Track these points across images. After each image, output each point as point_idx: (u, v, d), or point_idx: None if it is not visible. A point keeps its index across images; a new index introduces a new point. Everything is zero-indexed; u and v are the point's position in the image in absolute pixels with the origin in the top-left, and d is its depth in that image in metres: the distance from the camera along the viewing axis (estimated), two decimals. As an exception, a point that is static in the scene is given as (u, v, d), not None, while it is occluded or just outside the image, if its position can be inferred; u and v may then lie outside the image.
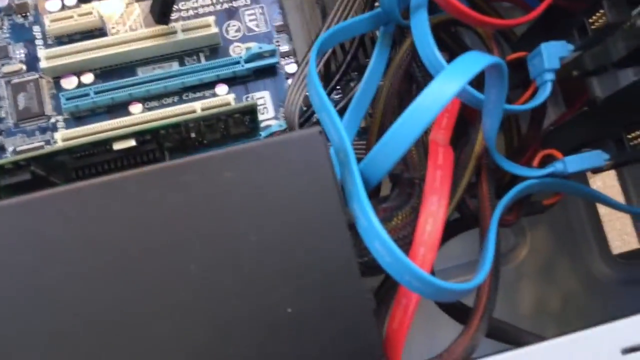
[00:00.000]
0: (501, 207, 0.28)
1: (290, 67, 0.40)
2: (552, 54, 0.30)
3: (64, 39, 0.39)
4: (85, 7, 0.38)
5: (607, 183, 0.43)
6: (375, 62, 0.33)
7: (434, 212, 0.24)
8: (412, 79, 0.34)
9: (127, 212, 0.20)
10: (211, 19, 0.39)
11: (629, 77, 0.27)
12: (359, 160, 0.24)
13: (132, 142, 0.30)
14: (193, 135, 0.33)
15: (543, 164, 0.32)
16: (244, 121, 0.33)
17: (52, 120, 0.38)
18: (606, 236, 0.39)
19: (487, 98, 0.26)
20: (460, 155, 0.30)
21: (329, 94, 0.38)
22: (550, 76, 0.30)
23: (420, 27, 0.31)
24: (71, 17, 0.38)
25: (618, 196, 0.40)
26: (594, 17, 0.28)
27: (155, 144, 0.31)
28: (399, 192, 0.25)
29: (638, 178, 0.38)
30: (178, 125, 0.31)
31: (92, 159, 0.31)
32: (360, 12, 0.36)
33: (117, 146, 0.30)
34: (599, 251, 0.39)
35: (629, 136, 0.28)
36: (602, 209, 0.40)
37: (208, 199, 0.21)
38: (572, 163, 0.29)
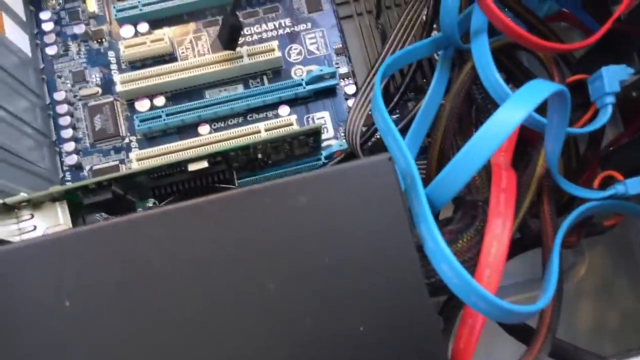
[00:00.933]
0: (564, 229, 0.29)
1: (349, 88, 0.42)
2: (613, 77, 0.31)
3: (137, 63, 0.41)
4: (157, 34, 0.41)
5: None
6: (436, 85, 0.34)
7: (498, 235, 0.25)
8: (472, 101, 0.35)
9: (211, 235, 0.22)
10: (275, 44, 0.40)
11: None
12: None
13: (204, 164, 0.32)
14: (259, 156, 0.34)
15: (603, 185, 0.32)
16: (308, 142, 0.35)
17: (126, 140, 0.40)
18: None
19: (550, 123, 0.27)
20: (521, 177, 0.30)
21: (397, 103, 0.39)
22: (610, 99, 0.31)
23: (481, 52, 0.32)
24: (144, 43, 0.40)
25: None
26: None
27: (225, 164, 0.32)
28: (463, 215, 0.26)
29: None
30: (247, 147, 0.32)
31: (167, 179, 0.33)
32: (418, 36, 0.37)
33: (192, 167, 0.32)
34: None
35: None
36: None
37: (284, 223, 0.22)
38: (634, 185, 0.30)
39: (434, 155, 0.33)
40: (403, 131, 0.34)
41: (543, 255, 0.29)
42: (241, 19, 0.42)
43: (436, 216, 0.26)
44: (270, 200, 0.22)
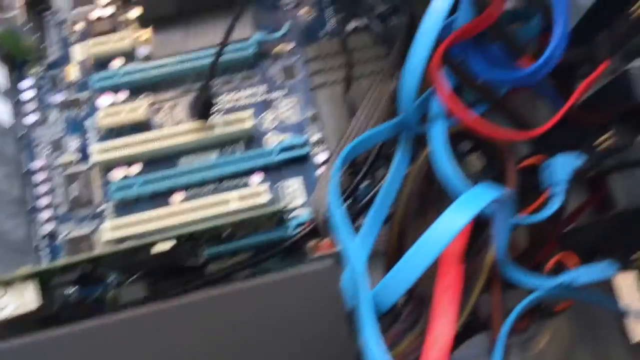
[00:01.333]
0: (511, 320, 0.30)
1: (322, 156, 0.43)
2: (565, 165, 0.32)
3: (114, 131, 0.42)
4: (134, 104, 0.42)
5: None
6: (397, 167, 0.35)
7: (440, 335, 0.25)
8: (433, 181, 0.36)
9: (160, 343, 0.23)
10: (248, 114, 0.41)
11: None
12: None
13: (170, 245, 0.33)
14: (225, 234, 0.35)
15: (557, 267, 0.33)
16: (273, 220, 0.36)
17: (101, 208, 0.41)
18: (627, 324, 0.39)
19: (496, 220, 0.28)
20: (473, 264, 0.31)
21: (357, 185, 0.40)
22: (562, 187, 0.32)
23: (437, 140, 0.33)
24: (121, 112, 0.42)
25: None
26: (602, 138, 0.30)
27: (190, 243, 0.34)
28: (409, 312, 0.27)
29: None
30: (214, 228, 0.33)
31: (134, 258, 0.34)
32: (386, 111, 0.38)
33: (157, 249, 0.33)
34: (620, 339, 0.40)
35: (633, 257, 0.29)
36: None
37: (230, 329, 0.23)
38: (583, 274, 0.31)
39: (393, 240, 0.34)
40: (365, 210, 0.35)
41: (490, 340, 0.30)
42: (217, 87, 0.43)
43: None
44: (216, 309, 0.23)
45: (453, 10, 0.36)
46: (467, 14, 0.36)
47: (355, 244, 0.28)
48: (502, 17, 0.39)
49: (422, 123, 0.35)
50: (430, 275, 0.30)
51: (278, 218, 0.36)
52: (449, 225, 0.24)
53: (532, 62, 0.33)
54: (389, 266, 0.33)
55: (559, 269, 0.33)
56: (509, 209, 0.27)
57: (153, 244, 0.32)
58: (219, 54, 0.37)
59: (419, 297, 0.28)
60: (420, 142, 0.36)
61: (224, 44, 0.37)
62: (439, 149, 0.32)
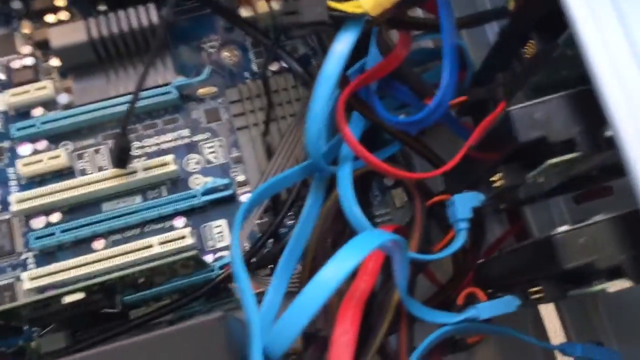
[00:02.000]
0: (417, 354, 0.30)
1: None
2: (465, 204, 0.32)
3: (35, 179, 0.42)
4: (54, 152, 0.42)
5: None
6: (310, 207, 0.36)
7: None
8: (344, 219, 0.36)
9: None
10: (169, 158, 0.42)
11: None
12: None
13: (81, 295, 0.33)
14: (142, 280, 0.35)
15: (467, 302, 0.34)
16: (189, 265, 0.36)
17: (23, 257, 0.41)
18: (554, 354, 0.40)
19: (394, 261, 0.29)
20: (382, 301, 0.32)
21: (279, 223, 0.41)
22: (463, 225, 0.33)
23: (344, 181, 0.34)
24: (41, 160, 0.42)
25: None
26: (495, 177, 0.30)
27: (102, 293, 0.34)
28: (311, 355, 0.27)
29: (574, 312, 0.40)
30: (123, 277, 0.34)
31: (48, 309, 0.34)
32: (302, 156, 0.39)
33: (68, 299, 0.33)
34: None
35: (530, 290, 0.30)
36: (549, 326, 0.42)
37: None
38: (485, 309, 0.31)
39: (305, 280, 0.34)
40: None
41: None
42: (140, 131, 0.44)
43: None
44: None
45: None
46: (376, 56, 0.37)
47: (272, 284, 0.28)
48: (413, 57, 0.40)
49: (334, 164, 0.36)
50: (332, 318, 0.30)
51: (196, 262, 0.36)
52: (336, 271, 0.24)
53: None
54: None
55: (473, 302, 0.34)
56: (403, 259, 0.28)
57: (62, 294, 0.32)
58: (133, 103, 0.38)
59: (321, 341, 0.28)
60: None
61: (137, 92, 0.38)
62: (344, 190, 0.33)
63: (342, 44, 0.31)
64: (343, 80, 0.35)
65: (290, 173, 0.35)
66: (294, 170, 0.35)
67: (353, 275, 0.32)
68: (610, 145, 0.23)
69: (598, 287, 0.26)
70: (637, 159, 0.22)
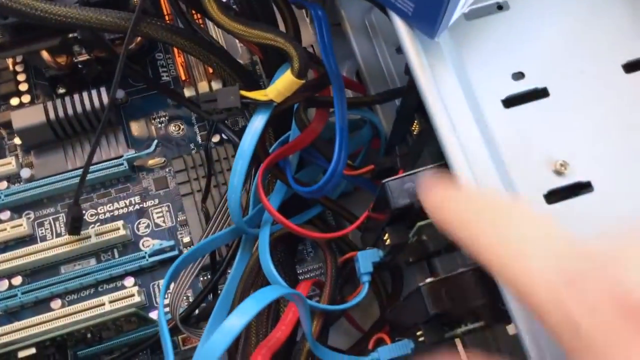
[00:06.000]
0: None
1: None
2: (366, 260, 0.37)
3: (0, 246, 0.47)
4: (17, 221, 0.47)
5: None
6: (237, 264, 0.41)
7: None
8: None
9: None
10: (120, 223, 0.47)
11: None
12: None
13: (33, 350, 0.37)
14: (89, 335, 0.40)
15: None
16: (132, 320, 0.40)
17: (-13, 317, 0.46)
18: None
19: (299, 311, 0.34)
20: (297, 348, 0.37)
21: (217, 279, 0.45)
22: (366, 278, 0.37)
23: (262, 241, 0.38)
24: (5, 229, 0.47)
25: None
26: (385, 236, 0.35)
27: (54, 348, 0.38)
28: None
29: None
30: (73, 332, 0.38)
31: (3, 364, 0.38)
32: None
33: (21, 354, 0.37)
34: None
35: (418, 333, 0.34)
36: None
37: None
38: (385, 352, 0.36)
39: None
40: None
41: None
42: (95, 200, 0.49)
43: None
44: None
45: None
46: (295, 130, 0.42)
47: (203, 335, 0.33)
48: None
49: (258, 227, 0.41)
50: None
51: (138, 318, 0.41)
52: (232, 326, 0.29)
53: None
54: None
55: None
56: (305, 302, 0.33)
57: (16, 350, 0.37)
58: (83, 175, 0.43)
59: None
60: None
61: (87, 164, 0.43)
62: (262, 250, 0.38)
63: (256, 124, 0.36)
64: (264, 153, 0.40)
65: (220, 235, 0.40)
66: (223, 232, 0.40)
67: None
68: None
69: (463, 329, 0.31)
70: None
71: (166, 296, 0.46)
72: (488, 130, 0.31)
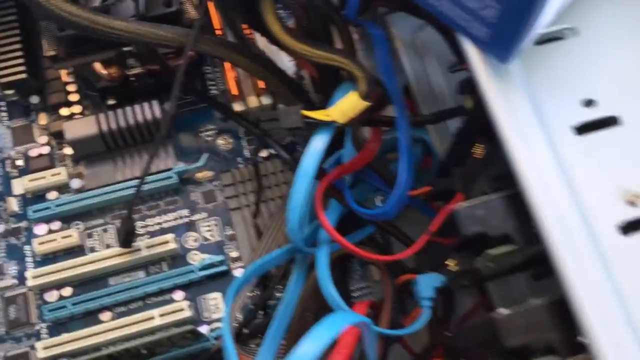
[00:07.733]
0: None
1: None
2: (427, 284, 0.37)
3: (49, 256, 0.47)
4: (67, 231, 0.47)
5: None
6: (293, 285, 0.41)
7: None
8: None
9: None
10: (170, 236, 0.47)
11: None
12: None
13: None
14: (144, 351, 0.40)
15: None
16: (187, 337, 0.40)
17: (37, 327, 0.46)
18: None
19: (364, 339, 0.33)
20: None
21: (266, 301, 0.45)
22: (427, 303, 0.37)
23: (321, 263, 0.38)
24: (55, 240, 0.47)
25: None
26: (448, 262, 0.35)
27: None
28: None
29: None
30: (130, 348, 0.38)
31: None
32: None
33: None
34: None
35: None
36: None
37: None
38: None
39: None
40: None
41: None
42: (144, 212, 0.49)
43: None
44: None
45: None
46: (351, 150, 0.42)
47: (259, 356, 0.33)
48: (384, 148, 0.46)
49: (315, 246, 0.41)
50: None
51: (192, 335, 0.40)
52: (306, 353, 0.29)
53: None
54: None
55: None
56: (371, 329, 0.33)
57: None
58: (138, 188, 0.43)
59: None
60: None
61: (143, 177, 0.43)
62: (321, 271, 0.38)
63: (317, 144, 0.36)
64: (321, 173, 0.40)
65: (275, 255, 0.40)
66: (279, 252, 0.40)
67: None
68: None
69: (534, 362, 0.31)
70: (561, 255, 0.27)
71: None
72: (559, 158, 0.31)
